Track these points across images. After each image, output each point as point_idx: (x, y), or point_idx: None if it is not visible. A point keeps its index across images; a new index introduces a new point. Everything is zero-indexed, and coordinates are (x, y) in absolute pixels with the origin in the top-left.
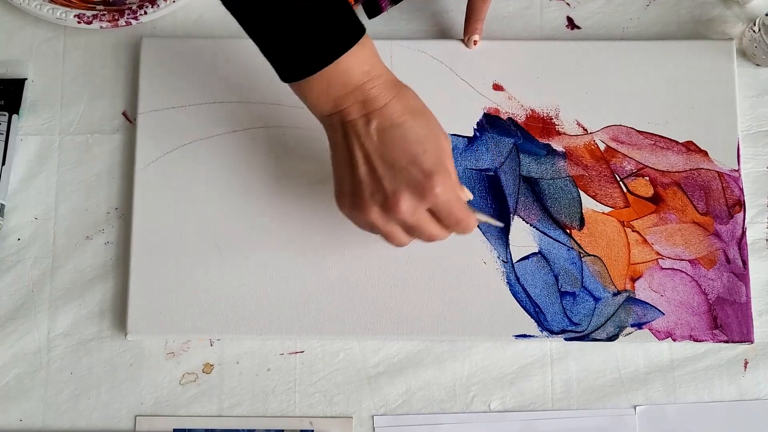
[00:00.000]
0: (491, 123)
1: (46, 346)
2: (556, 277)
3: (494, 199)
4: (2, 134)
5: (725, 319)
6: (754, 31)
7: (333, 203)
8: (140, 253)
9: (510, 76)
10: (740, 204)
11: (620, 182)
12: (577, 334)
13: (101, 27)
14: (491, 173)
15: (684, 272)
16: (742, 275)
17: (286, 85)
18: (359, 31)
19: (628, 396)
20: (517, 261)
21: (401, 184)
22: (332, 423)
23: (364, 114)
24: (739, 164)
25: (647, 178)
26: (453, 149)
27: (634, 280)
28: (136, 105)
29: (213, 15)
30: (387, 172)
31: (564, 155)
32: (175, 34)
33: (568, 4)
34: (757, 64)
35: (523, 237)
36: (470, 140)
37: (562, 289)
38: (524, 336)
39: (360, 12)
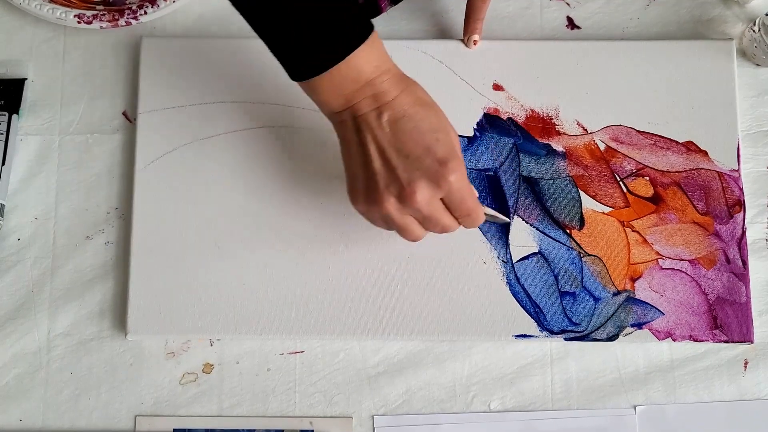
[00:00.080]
0: (491, 123)
1: (46, 346)
2: (556, 277)
3: (494, 199)
4: (2, 134)
5: (725, 319)
6: (754, 31)
7: (333, 203)
8: (140, 253)
9: (510, 76)
10: (740, 204)
11: (620, 182)
12: (577, 334)
13: (101, 27)
14: (491, 173)
15: (684, 272)
16: (742, 275)
17: (286, 85)
18: (368, 28)
19: (628, 396)
20: (517, 261)
21: (416, 174)
22: (332, 423)
23: (375, 107)
24: (739, 164)
25: (647, 178)
26: None
27: (634, 280)
28: (136, 105)
29: (213, 15)
30: (401, 162)
31: (564, 155)
32: (175, 34)
33: (568, 4)
34: (757, 64)
35: (523, 237)
36: (470, 140)
37: (562, 289)
38: (524, 336)
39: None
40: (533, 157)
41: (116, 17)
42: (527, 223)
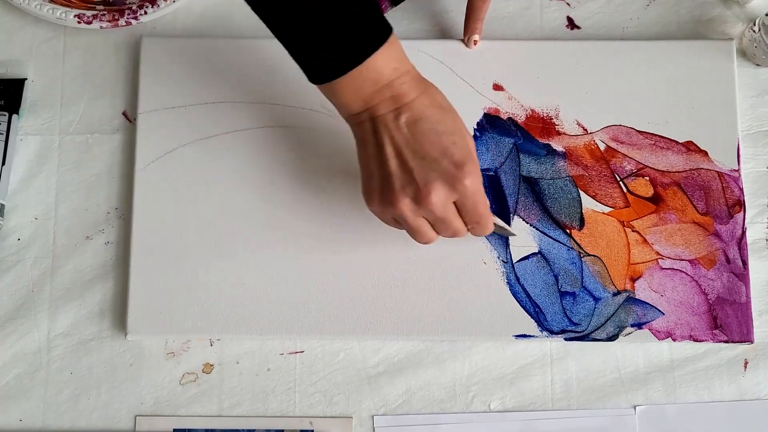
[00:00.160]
0: (491, 123)
1: (46, 346)
2: (556, 277)
3: (494, 199)
4: (2, 134)
5: (725, 319)
6: (754, 31)
7: (334, 203)
8: (140, 253)
9: (510, 76)
10: (740, 204)
11: (620, 182)
12: (577, 334)
13: (101, 27)
14: (491, 173)
15: (684, 272)
16: (742, 275)
17: (286, 85)
18: (388, 29)
19: (628, 396)
20: (517, 261)
21: (432, 175)
22: (332, 423)
23: (393, 109)
24: (739, 164)
25: (647, 178)
26: None
27: (634, 280)
28: (136, 105)
29: (213, 15)
30: (418, 164)
31: (564, 155)
32: (175, 34)
33: (568, 4)
34: (757, 64)
35: (523, 237)
36: None
37: (562, 289)
38: (524, 336)
39: None
40: (533, 157)
41: (116, 17)
42: (527, 223)
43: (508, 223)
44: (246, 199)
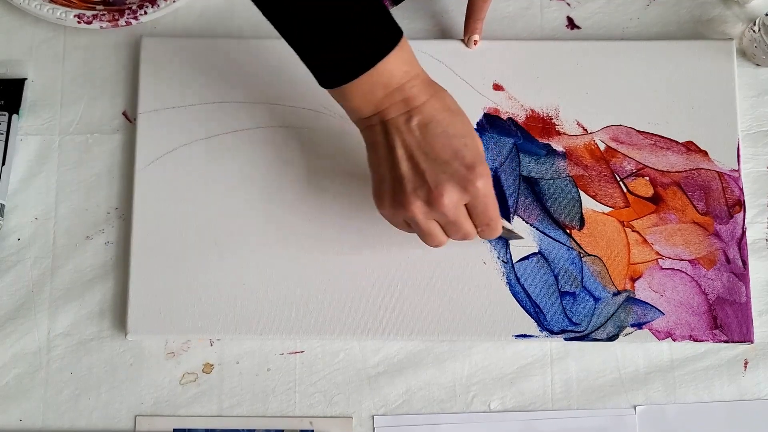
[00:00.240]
0: (491, 123)
1: (46, 346)
2: (556, 277)
3: None
4: (2, 134)
5: (725, 319)
6: (754, 31)
7: (334, 203)
8: (140, 253)
9: (510, 76)
10: (740, 204)
11: (620, 182)
12: (577, 334)
13: (101, 27)
14: (491, 173)
15: (684, 272)
16: (742, 275)
17: (286, 85)
18: (398, 33)
19: (628, 396)
20: (517, 261)
21: (444, 177)
22: (332, 423)
23: (404, 112)
24: (739, 164)
25: (647, 178)
26: None
27: (634, 280)
28: (136, 105)
29: (213, 15)
30: (430, 166)
31: (564, 155)
32: (175, 34)
33: (568, 4)
34: (757, 64)
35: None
36: None
37: (562, 289)
38: (524, 336)
39: None
40: (533, 157)
41: (116, 17)
42: (527, 223)
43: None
44: (246, 199)
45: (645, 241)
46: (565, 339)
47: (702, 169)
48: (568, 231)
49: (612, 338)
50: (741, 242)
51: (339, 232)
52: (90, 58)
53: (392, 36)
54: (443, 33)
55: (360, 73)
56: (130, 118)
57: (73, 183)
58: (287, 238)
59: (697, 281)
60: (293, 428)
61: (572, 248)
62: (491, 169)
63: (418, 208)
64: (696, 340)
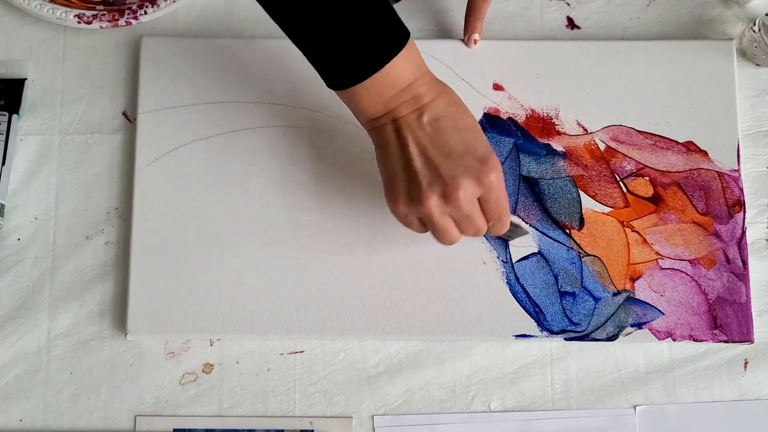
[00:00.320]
0: (491, 123)
1: (46, 346)
2: (555, 277)
3: None
4: (2, 134)
5: (725, 319)
6: (754, 31)
7: (334, 203)
8: (140, 253)
9: (510, 76)
10: (740, 204)
11: (620, 182)
12: (577, 334)
13: (101, 27)
14: None
15: (684, 272)
16: (742, 275)
17: (286, 85)
18: (406, 33)
19: (628, 396)
20: (517, 261)
21: (459, 171)
22: (332, 423)
23: (415, 109)
24: (739, 164)
25: (647, 178)
26: None
27: (633, 280)
28: (136, 105)
29: (213, 14)
30: (444, 161)
31: (564, 155)
32: (175, 34)
33: (568, 4)
34: (757, 64)
35: (523, 237)
36: None
37: (561, 289)
38: (524, 336)
39: None
40: (533, 157)
41: (116, 17)
42: (527, 223)
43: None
44: (246, 199)
45: (645, 241)
46: (565, 339)
47: (702, 169)
48: (567, 231)
49: (612, 338)
50: (741, 242)
51: (339, 232)
52: (90, 58)
53: (401, 36)
54: (443, 33)
55: (370, 73)
56: (130, 118)
57: (73, 183)
58: (287, 238)
59: (697, 281)
60: (293, 428)
61: (572, 248)
62: None
63: (434, 203)
64: (696, 340)
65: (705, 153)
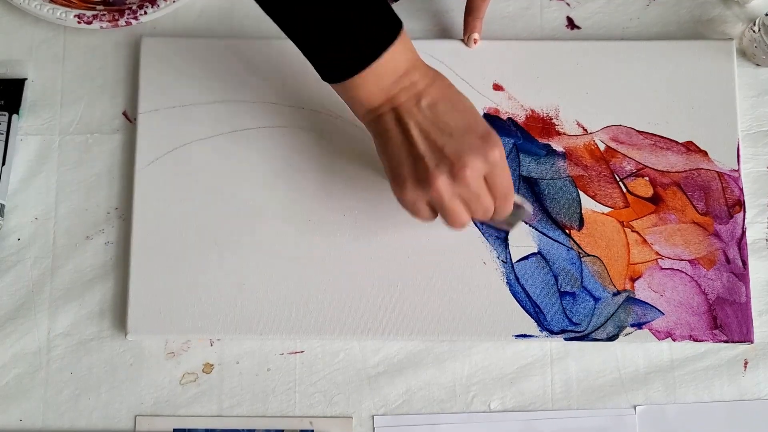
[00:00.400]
0: (491, 123)
1: (46, 346)
2: (555, 277)
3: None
4: (2, 134)
5: (725, 319)
6: (754, 31)
7: (334, 203)
8: (140, 253)
9: (510, 76)
10: (740, 204)
11: (620, 182)
12: (577, 334)
13: (101, 27)
14: None
15: (684, 272)
16: (741, 275)
17: (286, 85)
18: (399, 21)
19: (628, 396)
20: (517, 261)
21: (464, 149)
22: (332, 423)
23: (413, 95)
24: (738, 164)
25: (647, 179)
26: None
27: (633, 280)
28: (136, 105)
29: (213, 14)
30: (448, 141)
31: (564, 155)
32: (175, 34)
33: (568, 4)
34: (757, 64)
35: (523, 237)
36: None
37: (561, 289)
38: (524, 336)
39: None
40: (533, 158)
41: (116, 17)
42: (526, 223)
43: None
44: (246, 199)
45: (645, 241)
46: (565, 339)
47: (702, 169)
48: (567, 231)
49: (612, 338)
50: (741, 242)
51: (339, 232)
52: (90, 58)
53: (396, 24)
54: (443, 33)
55: (370, 62)
56: (130, 118)
57: (73, 183)
58: (287, 239)
59: (696, 281)
60: (293, 428)
61: (572, 248)
62: None
63: (442, 184)
64: (696, 340)
65: (705, 153)
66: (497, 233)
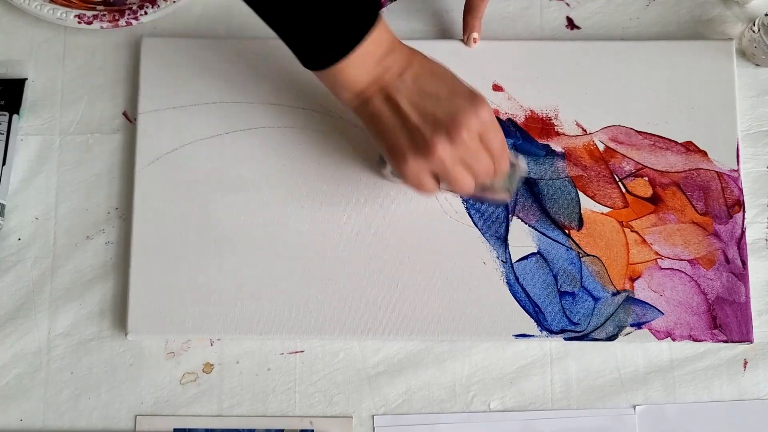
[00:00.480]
0: None
1: (46, 346)
2: (555, 277)
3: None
4: (2, 134)
5: (725, 319)
6: (753, 31)
7: (333, 203)
8: (140, 253)
9: (509, 77)
10: (739, 204)
11: (619, 183)
12: (577, 334)
13: (101, 27)
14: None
15: (683, 272)
16: (741, 275)
17: (286, 85)
18: (378, 2)
19: (628, 396)
20: (517, 261)
21: (455, 109)
22: (332, 423)
23: (396, 72)
24: (738, 164)
25: (646, 179)
26: None
27: (633, 279)
28: (136, 105)
29: (213, 15)
30: (438, 106)
31: (563, 156)
32: (176, 34)
33: (568, 4)
34: (757, 64)
35: (522, 237)
36: None
37: (561, 289)
38: (524, 336)
39: None
40: (532, 158)
41: (116, 17)
42: (526, 223)
43: (507, 226)
44: (246, 199)
45: (644, 241)
46: (565, 339)
47: (701, 169)
48: (567, 231)
49: (611, 338)
50: (740, 242)
51: (339, 232)
52: (90, 58)
53: (375, 6)
54: (443, 33)
55: (355, 45)
56: (130, 118)
57: (74, 183)
58: (287, 238)
59: (696, 281)
60: (293, 428)
61: (571, 248)
62: None
63: (442, 149)
64: (695, 340)
65: (704, 153)
66: (496, 233)
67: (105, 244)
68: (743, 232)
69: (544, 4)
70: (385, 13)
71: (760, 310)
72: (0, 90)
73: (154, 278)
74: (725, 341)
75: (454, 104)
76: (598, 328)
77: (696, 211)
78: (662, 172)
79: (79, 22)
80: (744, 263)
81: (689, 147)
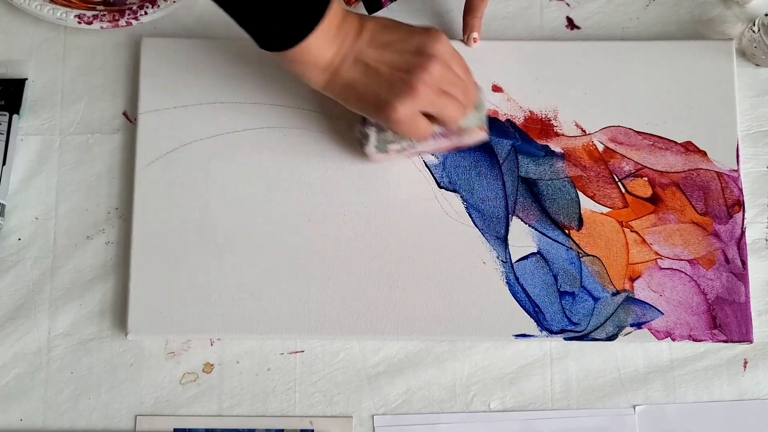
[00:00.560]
0: (490, 125)
1: (46, 346)
2: (555, 277)
3: (493, 200)
4: (2, 134)
5: (724, 319)
6: (753, 31)
7: (333, 203)
8: (140, 253)
9: (509, 77)
10: (739, 204)
11: (619, 183)
12: (577, 334)
13: (101, 27)
14: (491, 175)
15: (683, 272)
16: (741, 275)
17: (286, 85)
18: None
19: (628, 396)
20: (516, 261)
21: (420, 46)
22: (332, 423)
23: (354, 36)
24: (738, 164)
25: (646, 179)
26: None
27: (633, 279)
28: (136, 105)
29: (213, 15)
30: (401, 50)
31: (562, 156)
32: (176, 34)
33: (568, 4)
34: (757, 64)
35: (522, 237)
36: None
37: (561, 289)
38: (524, 336)
39: (360, 8)
40: (532, 158)
41: (116, 17)
42: (526, 223)
43: (507, 225)
44: (246, 199)
45: (644, 241)
46: (565, 339)
47: (701, 169)
48: (566, 231)
49: (611, 338)
50: (740, 242)
51: (339, 232)
52: (90, 58)
53: None
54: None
55: (319, 19)
56: (130, 118)
57: (74, 183)
58: (287, 238)
59: (696, 281)
60: (293, 428)
61: (571, 248)
62: (491, 170)
63: (422, 82)
64: (695, 340)
65: (704, 153)
66: (496, 233)
67: (105, 244)
68: (743, 232)
69: (544, 4)
70: (385, 13)
71: (760, 310)
72: (0, 90)
73: (154, 278)
74: (725, 341)
75: (416, 41)
76: (598, 328)
77: (696, 211)
78: (662, 172)
79: (79, 22)
80: (744, 263)
81: (689, 147)
